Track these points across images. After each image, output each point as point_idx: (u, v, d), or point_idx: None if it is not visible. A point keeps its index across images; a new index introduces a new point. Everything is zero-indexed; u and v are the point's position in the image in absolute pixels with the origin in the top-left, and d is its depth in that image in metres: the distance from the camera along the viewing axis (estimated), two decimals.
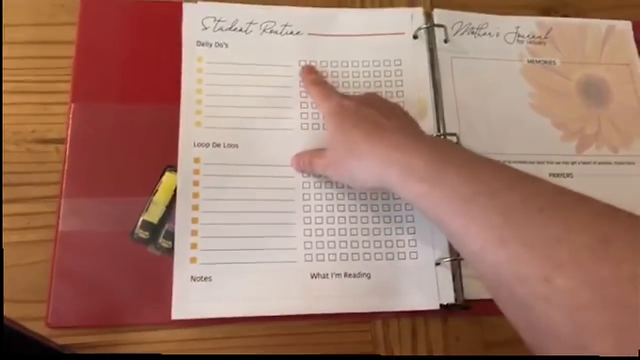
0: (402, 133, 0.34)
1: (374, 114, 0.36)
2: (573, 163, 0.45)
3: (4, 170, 0.40)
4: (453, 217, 0.29)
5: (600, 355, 0.21)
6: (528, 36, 0.49)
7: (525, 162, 0.44)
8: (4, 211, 0.39)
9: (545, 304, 0.23)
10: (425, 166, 0.31)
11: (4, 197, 0.39)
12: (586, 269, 0.22)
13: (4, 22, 0.44)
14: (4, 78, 0.42)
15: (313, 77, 0.43)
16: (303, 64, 0.44)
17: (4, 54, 0.43)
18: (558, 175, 0.45)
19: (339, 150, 0.37)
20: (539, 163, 0.45)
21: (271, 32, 0.45)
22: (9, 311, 0.30)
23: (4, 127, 0.41)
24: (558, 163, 0.45)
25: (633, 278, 0.21)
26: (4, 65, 0.42)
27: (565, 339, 0.23)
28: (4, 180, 0.40)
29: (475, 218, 0.27)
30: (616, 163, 0.46)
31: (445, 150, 0.32)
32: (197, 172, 0.40)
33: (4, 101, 0.42)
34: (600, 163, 0.46)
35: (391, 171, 0.33)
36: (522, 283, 0.24)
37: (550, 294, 0.23)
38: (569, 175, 0.45)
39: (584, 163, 0.46)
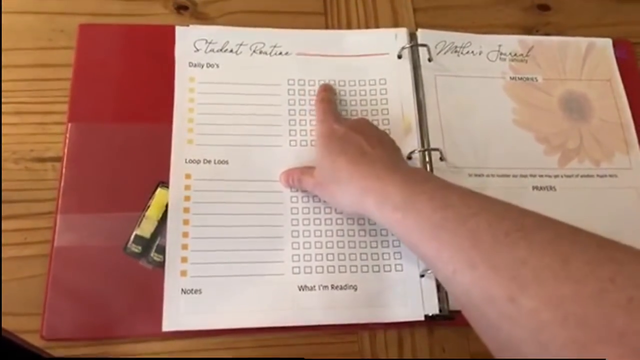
0: (381, 162, 0.36)
1: (360, 141, 0.38)
2: (556, 176, 0.46)
3: (3, 187, 0.42)
4: (426, 242, 0.30)
5: None
6: (510, 54, 0.50)
7: (508, 176, 0.46)
8: (2, 227, 0.40)
9: (511, 323, 0.24)
10: (399, 195, 0.33)
11: (3, 213, 0.41)
12: (548, 288, 0.23)
13: (6, 46, 0.46)
14: (5, 100, 0.44)
15: (323, 94, 0.45)
16: (292, 82, 0.46)
17: (5, 77, 0.45)
18: (541, 188, 0.46)
19: (325, 173, 0.39)
20: (522, 176, 0.46)
21: (260, 52, 0.47)
22: (4, 323, 0.31)
23: (4, 147, 0.43)
24: (541, 176, 0.46)
25: (592, 295, 0.22)
26: (5, 87, 0.44)
27: (529, 356, 0.24)
28: (3, 197, 0.41)
29: (446, 243, 0.29)
30: (598, 176, 0.47)
31: (418, 179, 0.34)
32: (188, 187, 0.42)
33: (4, 122, 0.43)
34: (582, 176, 0.47)
35: (368, 199, 0.35)
36: (490, 303, 0.25)
37: (515, 314, 0.24)
38: (551, 188, 0.46)
39: (567, 176, 0.47)
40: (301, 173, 0.42)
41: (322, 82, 0.47)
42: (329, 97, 0.45)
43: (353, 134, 0.39)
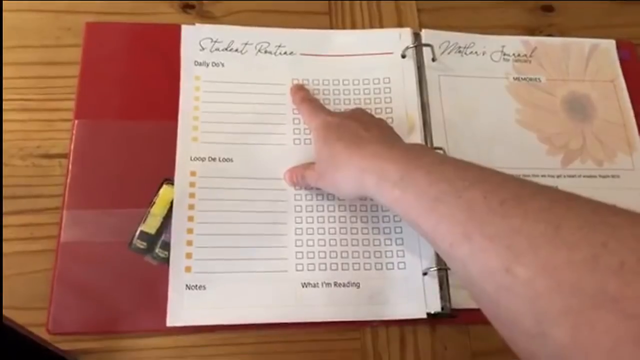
0: (379, 143, 0.36)
1: (355, 126, 0.38)
2: (558, 176, 0.47)
3: (10, 183, 0.42)
4: (424, 217, 0.30)
5: (558, 341, 0.21)
6: (513, 54, 0.50)
7: None
8: (9, 222, 0.41)
9: (508, 295, 0.24)
10: (397, 172, 0.32)
11: (10, 209, 0.41)
12: (542, 256, 0.23)
13: (13, 43, 0.46)
14: (12, 97, 0.45)
15: (302, 94, 0.45)
16: (295, 82, 0.47)
17: (13, 74, 0.45)
18: None
19: (324, 162, 0.39)
20: (524, 176, 0.46)
21: (265, 52, 0.47)
22: (11, 317, 0.31)
23: (11, 143, 0.43)
24: (543, 176, 0.46)
25: (585, 261, 0.22)
26: (12, 85, 0.45)
27: (527, 328, 0.23)
28: (10, 193, 0.42)
29: (443, 216, 0.28)
30: (600, 176, 0.47)
31: (416, 155, 0.33)
32: (192, 184, 0.42)
33: (12, 118, 0.44)
34: (585, 176, 0.47)
35: (368, 179, 0.34)
36: (487, 276, 0.25)
37: (512, 284, 0.24)
38: None
39: (569, 176, 0.47)
40: (304, 169, 0.42)
41: (325, 82, 0.47)
42: (308, 95, 0.45)
43: (348, 121, 0.39)
